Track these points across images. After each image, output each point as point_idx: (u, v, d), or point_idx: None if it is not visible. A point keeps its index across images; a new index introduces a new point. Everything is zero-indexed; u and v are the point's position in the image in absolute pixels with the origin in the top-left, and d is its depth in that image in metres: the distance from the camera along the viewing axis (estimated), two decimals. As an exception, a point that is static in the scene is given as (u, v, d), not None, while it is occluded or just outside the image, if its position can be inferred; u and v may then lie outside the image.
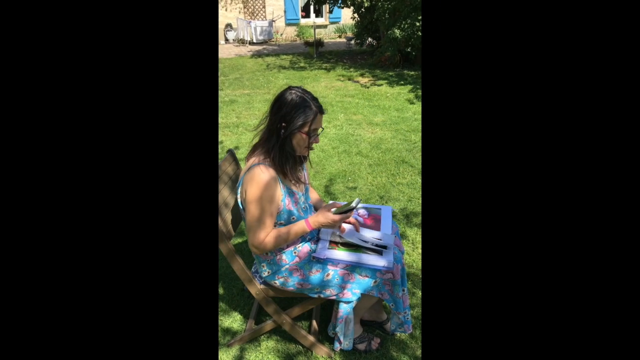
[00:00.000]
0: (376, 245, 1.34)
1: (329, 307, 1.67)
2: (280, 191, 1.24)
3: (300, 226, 1.24)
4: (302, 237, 1.36)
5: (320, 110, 1.22)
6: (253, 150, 1.28)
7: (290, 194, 1.28)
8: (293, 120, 1.18)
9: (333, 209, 1.24)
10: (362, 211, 1.58)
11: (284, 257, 1.34)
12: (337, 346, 1.41)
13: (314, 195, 1.52)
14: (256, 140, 1.30)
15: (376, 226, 1.49)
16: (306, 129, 1.19)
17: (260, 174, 1.19)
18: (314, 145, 1.27)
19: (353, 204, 1.20)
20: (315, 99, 1.22)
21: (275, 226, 1.28)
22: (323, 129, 1.30)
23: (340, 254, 1.33)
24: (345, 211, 1.20)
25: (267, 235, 1.23)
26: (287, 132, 1.19)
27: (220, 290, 1.84)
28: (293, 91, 1.21)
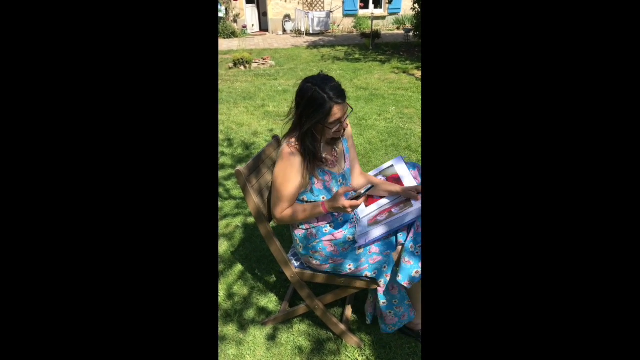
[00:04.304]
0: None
1: (362, 297, 1.67)
2: (304, 170, 1.27)
3: (316, 206, 1.26)
4: (337, 222, 1.37)
5: (336, 101, 1.19)
6: (288, 133, 1.33)
7: (321, 173, 1.30)
8: (310, 117, 1.20)
9: (345, 193, 1.23)
10: (380, 178, 1.54)
11: (315, 232, 1.37)
12: (384, 329, 1.40)
13: (363, 179, 1.50)
14: (290, 124, 1.34)
15: (400, 184, 1.47)
16: (323, 122, 1.21)
17: (287, 152, 1.25)
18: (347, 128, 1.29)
19: (362, 191, 1.21)
20: (334, 88, 1.19)
21: (304, 202, 1.32)
22: (352, 109, 1.29)
23: (377, 230, 1.31)
24: (355, 197, 1.20)
25: (286, 208, 1.29)
26: (305, 128, 1.22)
27: (259, 272, 1.91)
28: (309, 84, 1.21)
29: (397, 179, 1.50)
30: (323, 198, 1.32)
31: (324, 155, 1.32)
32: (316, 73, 1.31)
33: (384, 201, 1.46)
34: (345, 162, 1.40)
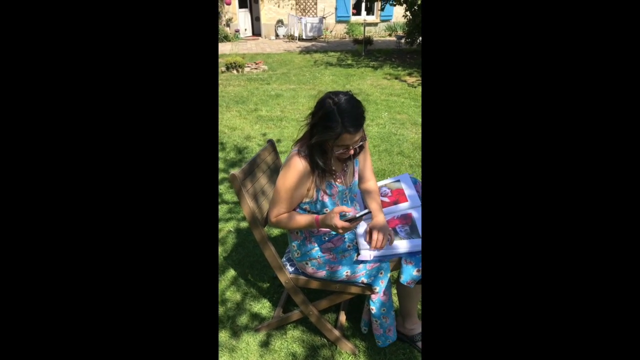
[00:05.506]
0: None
1: (356, 302, 1.66)
2: (311, 182, 1.26)
3: (309, 219, 1.25)
4: (336, 234, 1.36)
5: (348, 129, 1.15)
6: (301, 138, 1.31)
7: (328, 186, 1.29)
8: (319, 132, 1.19)
9: (340, 213, 1.21)
10: (384, 189, 1.59)
11: (314, 241, 1.37)
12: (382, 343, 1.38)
13: (369, 185, 1.48)
14: (305, 129, 1.31)
15: (403, 199, 1.51)
16: (330, 143, 1.19)
17: (294, 161, 1.23)
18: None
19: (357, 215, 1.17)
20: (351, 116, 1.15)
21: (307, 212, 1.32)
22: (366, 138, 1.26)
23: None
24: (350, 220, 1.17)
25: (281, 214, 1.28)
26: (314, 140, 1.20)
27: (252, 277, 1.89)
28: (331, 100, 1.17)
29: (402, 193, 1.54)
30: (326, 210, 1.30)
31: (333, 168, 1.30)
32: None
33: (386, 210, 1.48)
34: (354, 175, 1.39)
